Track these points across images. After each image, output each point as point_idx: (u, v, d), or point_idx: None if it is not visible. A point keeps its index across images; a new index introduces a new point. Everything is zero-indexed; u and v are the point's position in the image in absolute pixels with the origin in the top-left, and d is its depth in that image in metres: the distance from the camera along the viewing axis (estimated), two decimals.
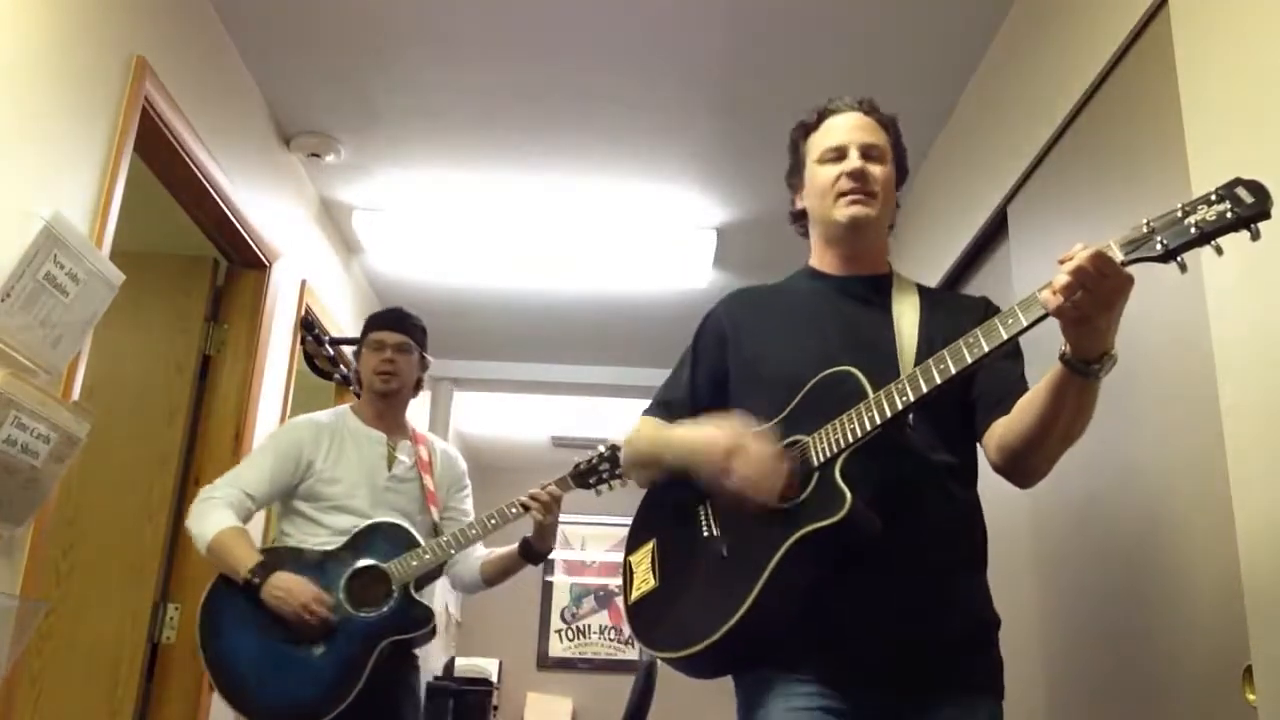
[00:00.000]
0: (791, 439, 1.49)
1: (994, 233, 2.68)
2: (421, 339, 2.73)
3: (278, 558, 2.42)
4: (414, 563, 2.45)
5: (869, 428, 1.40)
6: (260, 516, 2.74)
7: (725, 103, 3.09)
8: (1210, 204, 1.17)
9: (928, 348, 1.47)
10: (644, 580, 1.61)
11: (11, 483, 1.84)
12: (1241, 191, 1.16)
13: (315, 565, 2.42)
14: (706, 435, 1.50)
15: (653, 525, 1.67)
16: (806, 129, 1.72)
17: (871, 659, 1.43)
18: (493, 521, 2.54)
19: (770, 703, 1.46)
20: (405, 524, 2.52)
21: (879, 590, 1.44)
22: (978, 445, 1.58)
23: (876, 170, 1.63)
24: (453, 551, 2.50)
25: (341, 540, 2.47)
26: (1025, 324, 1.30)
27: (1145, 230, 1.21)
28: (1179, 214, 1.19)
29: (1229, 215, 1.15)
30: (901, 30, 2.70)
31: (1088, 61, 2.11)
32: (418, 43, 2.84)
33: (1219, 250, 1.18)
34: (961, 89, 2.93)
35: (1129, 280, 1.23)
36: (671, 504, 1.62)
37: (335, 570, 2.43)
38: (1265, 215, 1.14)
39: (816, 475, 1.43)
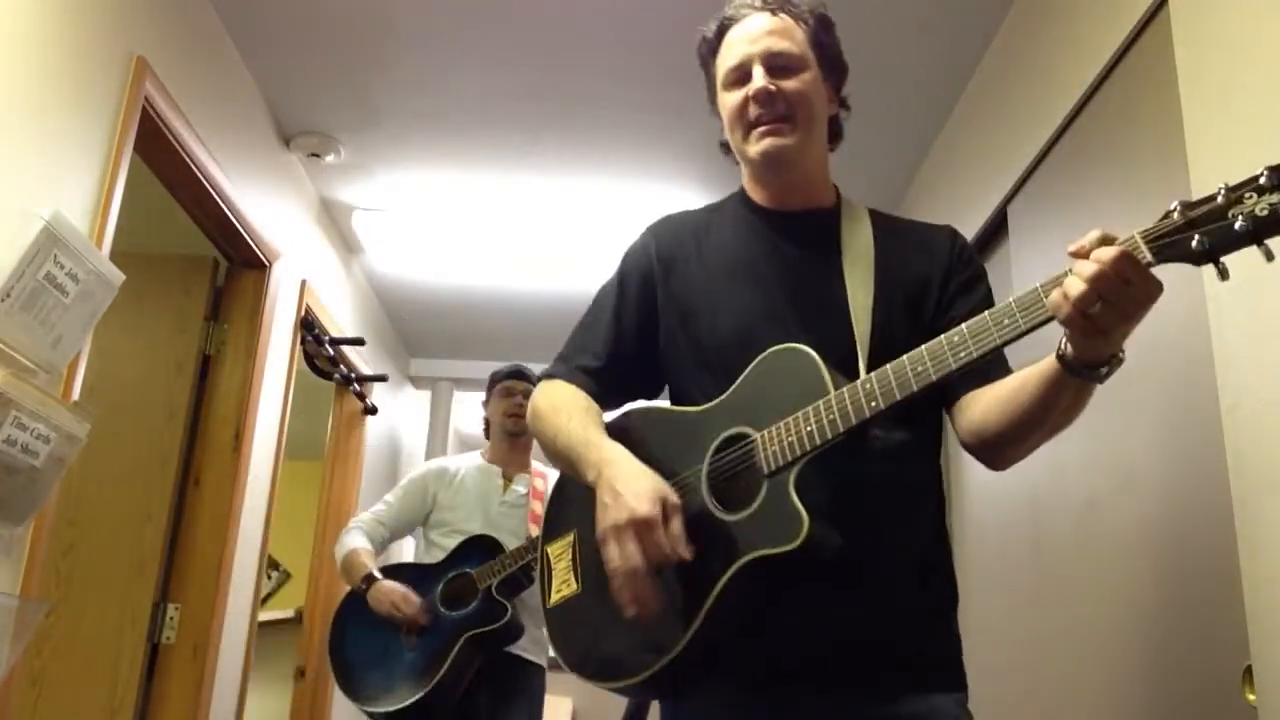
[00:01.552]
0: (736, 430, 1.27)
1: (994, 233, 2.68)
2: None
3: (387, 571, 2.90)
4: (496, 567, 2.82)
5: (830, 436, 1.17)
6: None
7: None
8: (1262, 191, 0.92)
9: (885, 302, 1.24)
10: (564, 582, 1.38)
11: (11, 483, 1.84)
12: None
13: (416, 575, 2.90)
14: (628, 490, 1.21)
15: (574, 513, 1.38)
16: (711, 46, 1.47)
17: (816, 664, 1.26)
18: None
19: None
20: (496, 536, 2.89)
21: (827, 596, 1.24)
22: (942, 413, 1.39)
23: (790, 85, 1.37)
24: (530, 556, 2.79)
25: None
26: (1024, 328, 1.09)
27: (1179, 221, 0.96)
28: (1220, 201, 0.94)
29: None
30: (901, 30, 2.70)
31: (1088, 61, 2.10)
32: (418, 43, 2.84)
33: (1270, 255, 0.92)
34: (961, 89, 2.93)
35: (1158, 288, 0.99)
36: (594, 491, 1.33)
37: (435, 578, 2.88)
38: None
39: (766, 485, 1.20)
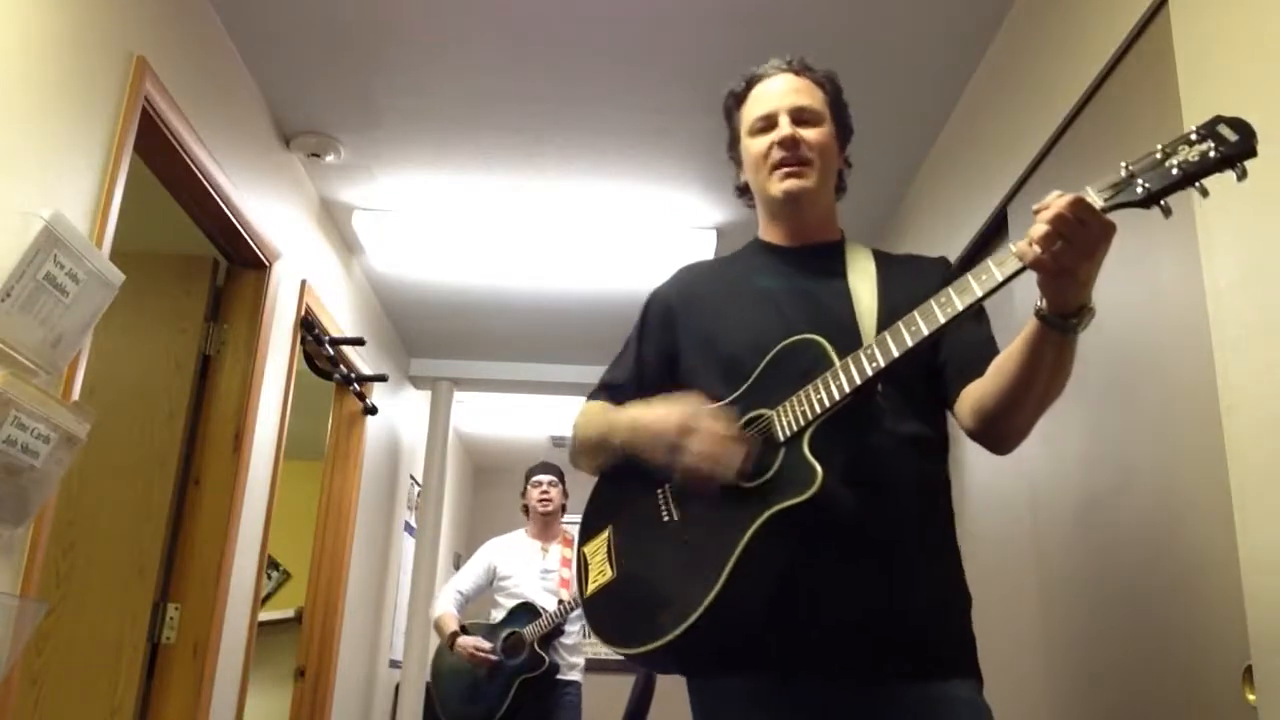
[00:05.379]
0: (754, 413, 1.40)
1: (994, 233, 2.68)
2: (563, 477, 4.33)
3: (466, 629, 4.10)
4: (536, 629, 3.97)
5: (837, 397, 1.31)
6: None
7: None
8: (1191, 144, 1.10)
9: (889, 313, 1.37)
10: (600, 572, 1.50)
11: (11, 483, 1.84)
12: (1224, 129, 1.09)
13: (487, 631, 4.10)
14: (657, 414, 1.41)
15: (607, 512, 1.56)
16: (738, 99, 1.63)
17: (837, 643, 1.35)
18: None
19: (728, 710, 1.39)
20: (536, 601, 4.04)
21: (846, 567, 1.35)
22: (948, 414, 1.50)
23: (810, 135, 1.54)
24: (558, 619, 3.96)
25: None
26: (1000, 279, 1.21)
27: (1124, 174, 1.14)
28: (1158, 155, 1.12)
29: (1212, 155, 1.08)
30: (901, 30, 2.70)
31: (1088, 61, 2.11)
32: (418, 43, 2.84)
33: (1204, 192, 1.10)
34: (961, 89, 2.93)
35: (1111, 227, 1.16)
36: (627, 489, 1.53)
37: (498, 633, 4.04)
38: (1251, 153, 1.07)
39: (783, 450, 1.34)
